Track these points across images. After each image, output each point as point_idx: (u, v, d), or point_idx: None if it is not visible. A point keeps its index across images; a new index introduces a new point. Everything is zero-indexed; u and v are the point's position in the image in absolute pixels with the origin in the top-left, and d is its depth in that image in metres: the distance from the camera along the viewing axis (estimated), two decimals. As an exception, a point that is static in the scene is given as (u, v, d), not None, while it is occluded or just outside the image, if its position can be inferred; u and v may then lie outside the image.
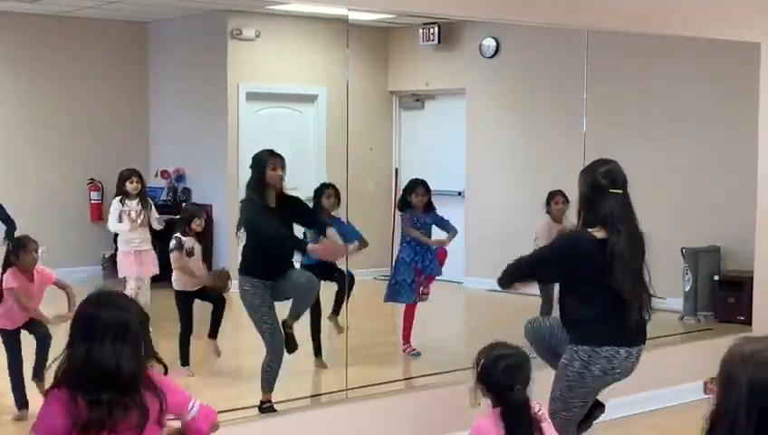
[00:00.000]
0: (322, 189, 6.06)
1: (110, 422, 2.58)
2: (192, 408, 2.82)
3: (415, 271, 6.29)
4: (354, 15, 5.47)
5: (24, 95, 7.42)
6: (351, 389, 5.53)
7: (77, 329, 2.65)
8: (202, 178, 7.47)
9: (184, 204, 7.32)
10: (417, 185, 6.35)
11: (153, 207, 6.40)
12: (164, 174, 7.48)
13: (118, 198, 6.25)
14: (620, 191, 3.93)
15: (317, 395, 5.61)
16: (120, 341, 2.61)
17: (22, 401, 4.99)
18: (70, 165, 7.47)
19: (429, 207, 6.35)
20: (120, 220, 6.24)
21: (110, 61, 7.61)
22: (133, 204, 6.23)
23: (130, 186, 6.21)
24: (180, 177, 7.49)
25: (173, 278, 5.94)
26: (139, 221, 6.23)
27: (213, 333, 6.03)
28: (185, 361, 5.93)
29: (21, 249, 5.06)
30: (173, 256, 5.86)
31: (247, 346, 5.95)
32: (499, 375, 3.16)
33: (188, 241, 5.86)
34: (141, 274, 6.29)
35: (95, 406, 2.56)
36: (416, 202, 6.29)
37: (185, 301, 5.96)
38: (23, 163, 7.31)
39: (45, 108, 7.45)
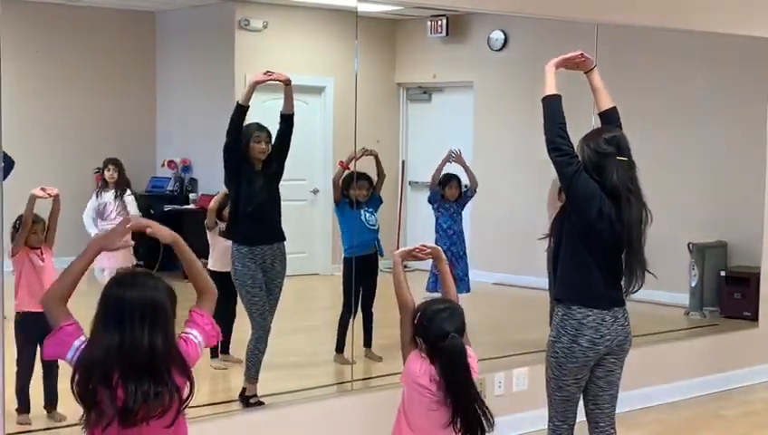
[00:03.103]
0: (351, 180, 6.15)
1: (144, 412, 2.55)
2: (200, 345, 2.81)
3: (450, 260, 6.41)
4: (362, 7, 5.46)
5: (29, 83, 7.40)
6: (356, 380, 5.55)
7: (107, 313, 2.61)
8: (209, 168, 7.45)
9: (191, 194, 7.32)
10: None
11: (131, 194, 6.29)
12: (170, 164, 7.47)
13: (94, 194, 6.18)
14: (626, 159, 3.86)
15: (323, 386, 5.61)
16: (150, 321, 2.58)
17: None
18: (76, 154, 7.46)
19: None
20: (98, 215, 6.13)
21: (118, 50, 7.59)
22: (109, 195, 6.16)
23: (107, 173, 6.17)
24: (187, 167, 7.48)
25: (209, 259, 5.93)
26: (113, 215, 6.15)
27: (225, 349, 6.00)
28: (214, 352, 5.89)
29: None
30: (208, 235, 5.94)
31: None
32: (435, 327, 3.29)
33: (223, 223, 5.87)
34: (112, 265, 6.13)
35: (131, 394, 2.53)
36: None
37: (218, 283, 5.90)
38: (28, 152, 7.30)
39: (51, 97, 7.43)
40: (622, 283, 3.93)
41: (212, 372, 5.91)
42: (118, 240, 2.84)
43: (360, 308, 6.06)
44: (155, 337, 2.57)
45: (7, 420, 4.42)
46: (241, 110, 5.10)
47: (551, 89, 3.98)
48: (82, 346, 2.64)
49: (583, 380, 3.95)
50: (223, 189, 5.82)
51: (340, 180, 6.08)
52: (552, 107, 3.95)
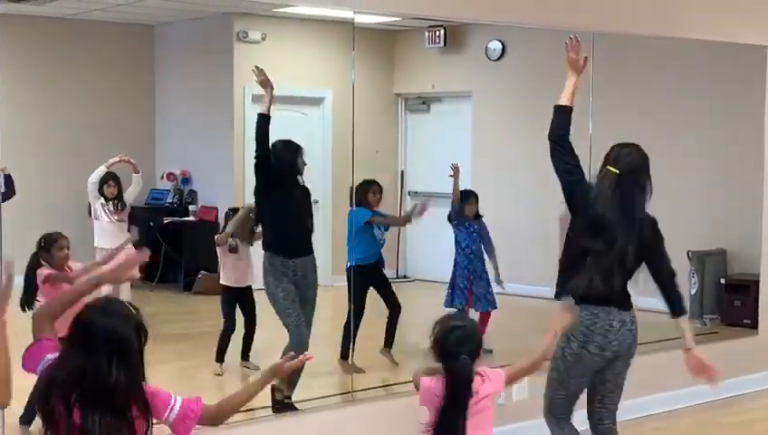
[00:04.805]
0: (368, 186, 6.20)
1: None
2: (172, 410, 2.73)
3: (467, 278, 6.46)
4: (360, 18, 5.47)
5: (29, 97, 7.42)
6: (357, 391, 5.54)
7: (75, 335, 2.63)
8: (208, 180, 7.48)
9: (191, 206, 7.33)
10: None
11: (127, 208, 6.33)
12: (170, 176, 7.48)
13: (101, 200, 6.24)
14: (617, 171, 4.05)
15: (323, 397, 5.61)
16: (116, 354, 2.57)
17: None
18: (75, 167, 7.48)
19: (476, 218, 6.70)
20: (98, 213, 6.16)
21: (117, 63, 7.61)
22: (110, 206, 6.20)
23: (108, 190, 6.19)
24: (186, 179, 7.49)
25: (221, 274, 6.04)
26: (116, 217, 6.17)
27: (245, 356, 6.09)
28: (220, 357, 6.01)
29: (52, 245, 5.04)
30: (218, 250, 6.01)
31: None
32: (449, 344, 3.30)
33: (233, 239, 5.95)
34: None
35: (87, 421, 2.53)
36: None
37: (228, 296, 6.02)
38: (26, 166, 7.32)
39: (51, 110, 7.45)
40: (632, 286, 4.10)
41: (217, 381, 5.94)
42: (124, 275, 2.92)
43: (386, 307, 6.25)
44: (118, 372, 2.56)
45: (12, 433, 4.43)
46: (265, 120, 5.22)
47: (565, 99, 4.13)
48: (51, 362, 2.66)
49: (589, 380, 4.11)
50: (244, 207, 5.87)
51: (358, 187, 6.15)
52: (559, 116, 4.11)
